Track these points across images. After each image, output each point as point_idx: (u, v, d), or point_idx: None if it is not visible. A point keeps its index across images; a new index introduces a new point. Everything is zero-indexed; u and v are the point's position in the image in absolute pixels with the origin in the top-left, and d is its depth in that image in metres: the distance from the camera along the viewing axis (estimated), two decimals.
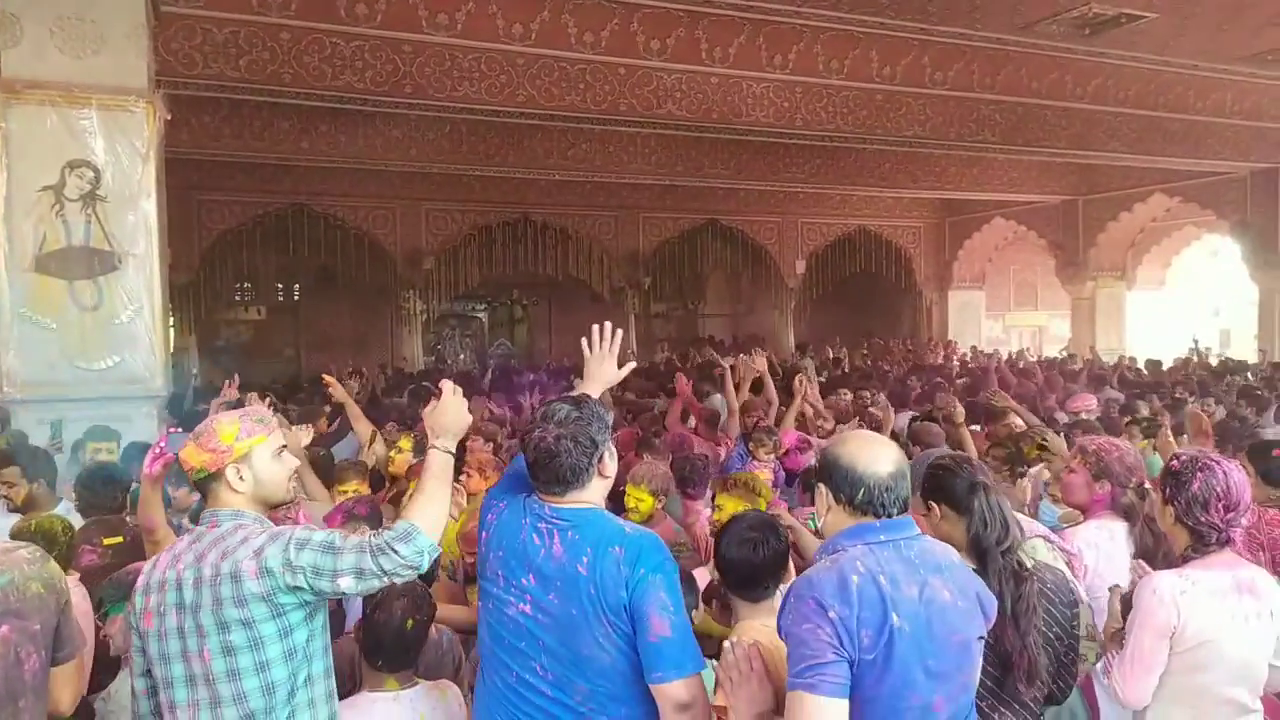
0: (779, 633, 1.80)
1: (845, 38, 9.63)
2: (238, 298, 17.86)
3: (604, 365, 2.45)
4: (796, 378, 6.32)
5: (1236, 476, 2.30)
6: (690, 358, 13.82)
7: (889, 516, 1.80)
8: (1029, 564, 2.19)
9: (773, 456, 4.94)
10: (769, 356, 8.85)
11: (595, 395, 2.23)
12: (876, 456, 1.82)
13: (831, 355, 14.84)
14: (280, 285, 18.39)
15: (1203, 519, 2.27)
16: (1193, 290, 21.11)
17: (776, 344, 18.10)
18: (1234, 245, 14.57)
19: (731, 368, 6.79)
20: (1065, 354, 16.22)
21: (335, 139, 11.07)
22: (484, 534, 2.23)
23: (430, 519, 2.07)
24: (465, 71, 8.37)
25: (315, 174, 13.30)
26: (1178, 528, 2.34)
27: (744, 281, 20.99)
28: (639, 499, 3.76)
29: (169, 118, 6.12)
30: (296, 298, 18.65)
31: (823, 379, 10.67)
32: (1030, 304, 20.78)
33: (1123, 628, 2.35)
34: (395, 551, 1.97)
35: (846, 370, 13.22)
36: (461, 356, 20.99)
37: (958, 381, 10.77)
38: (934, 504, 2.28)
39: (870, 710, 1.69)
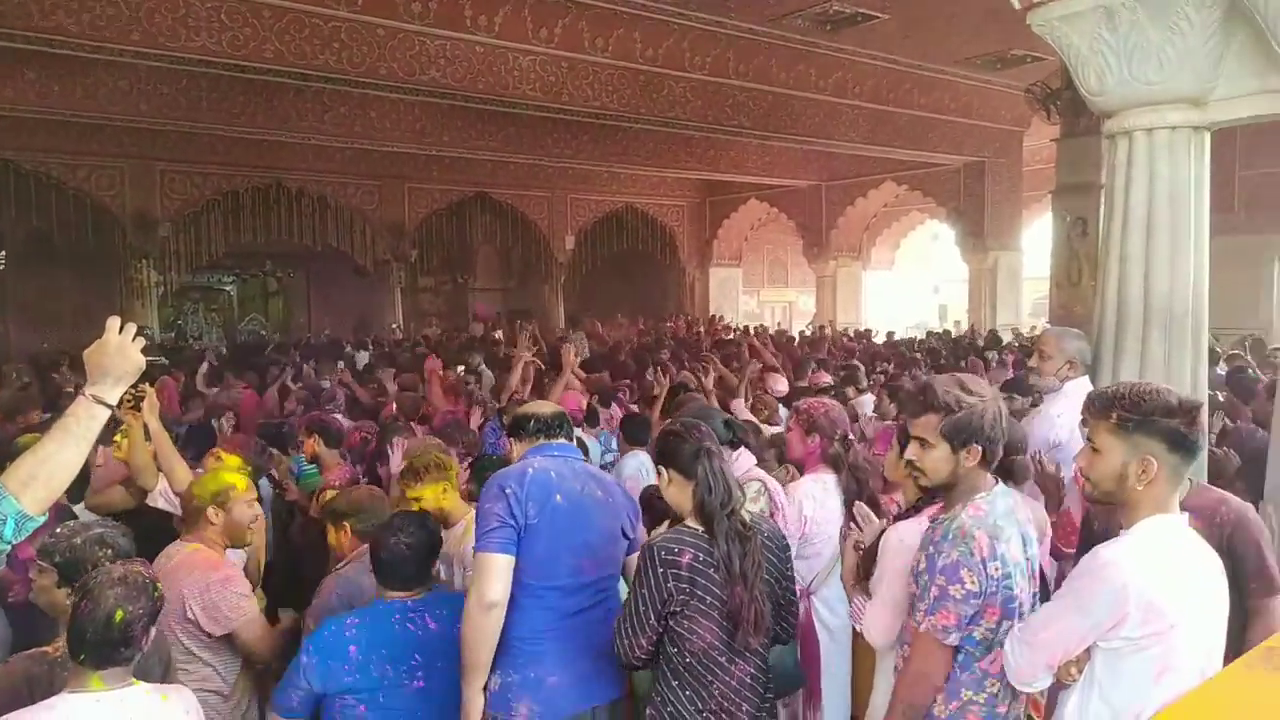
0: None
1: (610, 16, 9.80)
2: None
3: (125, 356, 1.85)
4: (563, 349, 6.43)
5: None
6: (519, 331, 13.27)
7: (558, 441, 2.57)
8: (746, 517, 2.34)
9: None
10: (533, 332, 8.93)
11: (113, 397, 1.83)
12: (543, 405, 2.70)
13: (600, 329, 15.17)
14: None
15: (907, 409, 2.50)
16: (918, 270, 23.53)
17: (547, 318, 18.23)
18: (950, 230, 16.40)
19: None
20: (811, 328, 17.60)
21: (46, 87, 9.76)
22: None
23: (34, 480, 1.72)
24: (202, 20, 7.69)
25: (22, 126, 11.64)
26: (912, 477, 2.54)
27: (514, 256, 20.92)
28: (417, 499, 3.66)
29: None
30: (2, 266, 16.35)
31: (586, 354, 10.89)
32: (782, 281, 22.29)
33: (858, 574, 2.57)
34: None
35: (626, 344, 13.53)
36: (208, 334, 19.39)
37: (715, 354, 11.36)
38: (663, 469, 2.39)
39: (532, 563, 2.36)
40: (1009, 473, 2.94)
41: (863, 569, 2.48)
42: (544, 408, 2.66)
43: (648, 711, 2.38)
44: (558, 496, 2.38)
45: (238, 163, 14.12)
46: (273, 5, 7.94)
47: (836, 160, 16.62)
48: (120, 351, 1.84)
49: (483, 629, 2.30)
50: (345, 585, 2.82)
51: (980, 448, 2.06)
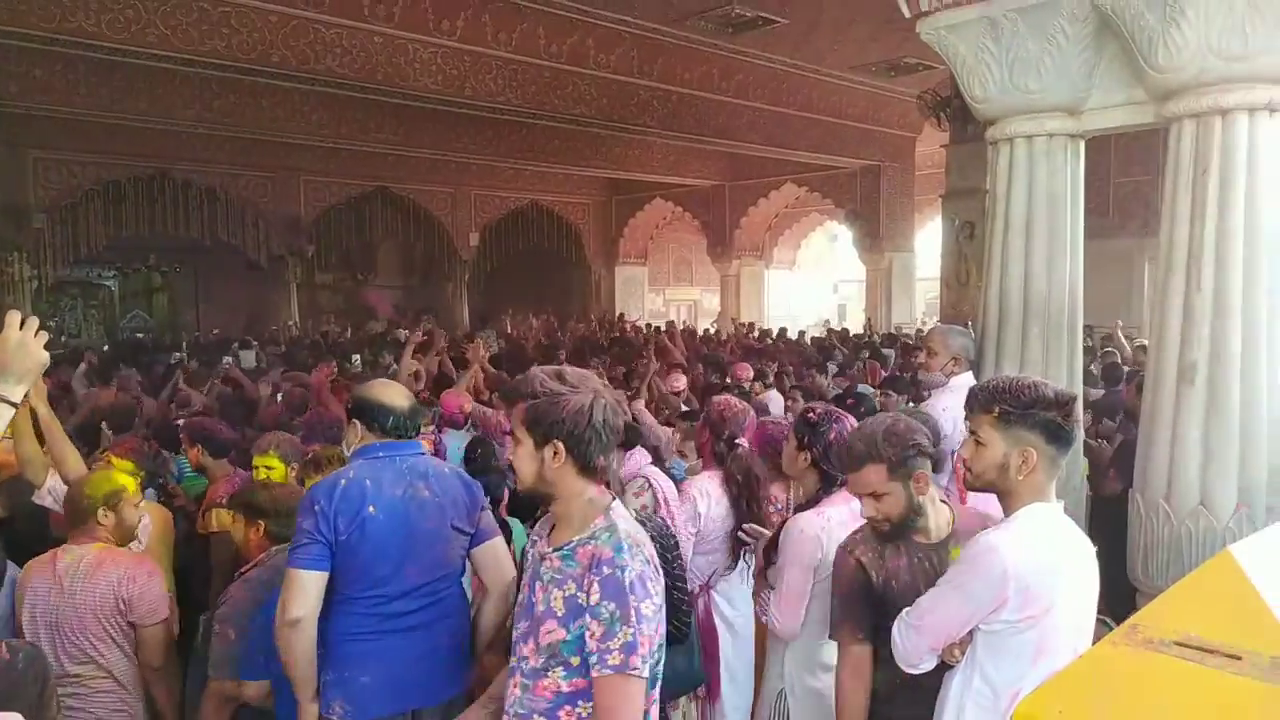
0: None
1: (512, 10, 9.71)
2: None
3: (25, 352, 1.76)
4: (472, 345, 6.34)
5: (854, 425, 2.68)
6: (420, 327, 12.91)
7: (399, 439, 2.46)
8: (630, 511, 2.35)
9: (432, 427, 4.90)
10: (432, 327, 8.80)
11: (17, 395, 1.76)
12: (398, 395, 2.52)
13: (510, 329, 15.03)
14: None
15: (836, 464, 2.59)
16: (818, 270, 24.11)
17: (451, 316, 17.94)
18: (848, 231, 16.88)
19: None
20: (716, 326, 17.84)
21: None
22: None
23: None
24: (78, 1, 7.26)
25: None
26: (811, 471, 2.63)
27: (417, 252, 20.49)
28: (269, 467, 3.58)
29: None
30: None
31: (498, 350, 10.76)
32: (687, 280, 22.51)
33: (764, 568, 2.62)
34: None
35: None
36: (86, 331, 18.34)
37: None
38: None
39: (350, 574, 2.31)
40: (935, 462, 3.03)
41: (763, 560, 2.52)
42: (400, 400, 2.50)
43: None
44: (370, 508, 2.31)
45: (119, 151, 13.35)
46: None
47: (740, 161, 16.87)
48: (21, 347, 1.75)
49: (291, 645, 2.27)
50: (255, 590, 2.70)
51: (561, 443, 1.80)
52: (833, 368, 9.00)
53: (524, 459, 1.85)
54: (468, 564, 2.58)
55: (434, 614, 2.42)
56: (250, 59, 8.26)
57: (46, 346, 1.81)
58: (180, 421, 4.79)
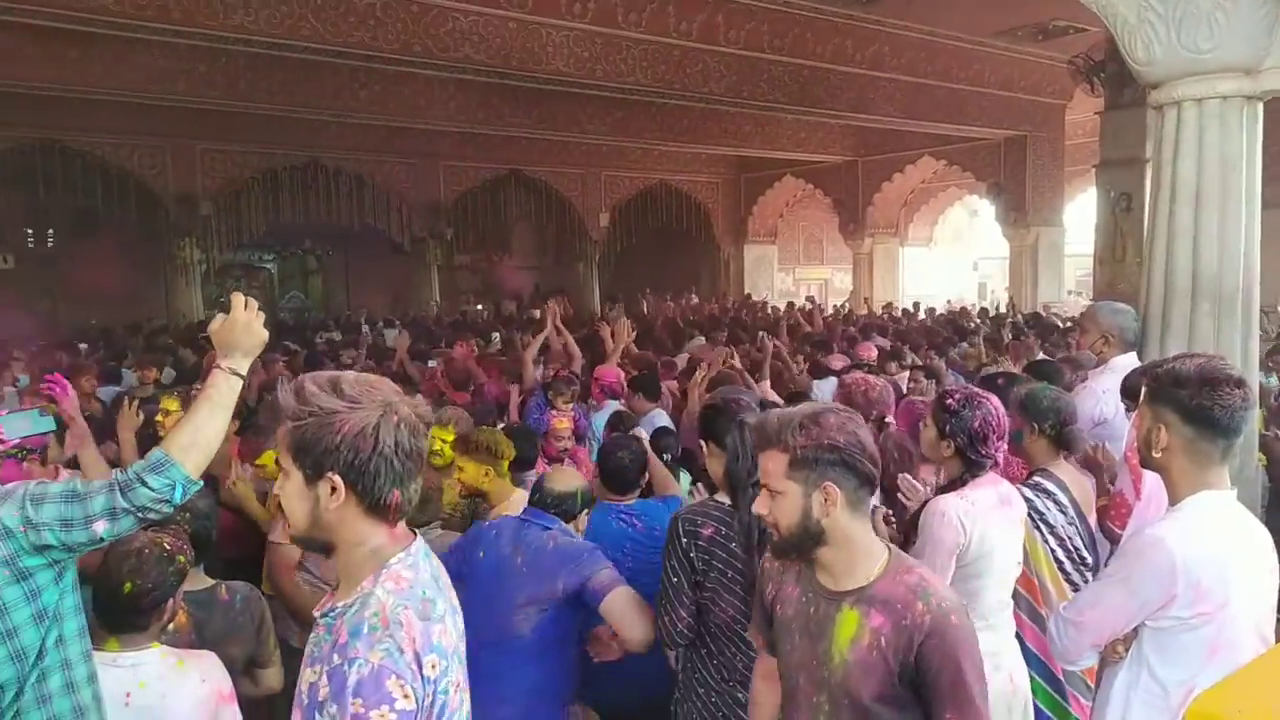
0: None
1: None
2: None
3: (250, 331, 1.96)
4: (614, 324, 6.46)
5: (1001, 408, 2.58)
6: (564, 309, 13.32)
7: (544, 511, 2.64)
8: None
9: (571, 405, 5.01)
10: (564, 306, 9.00)
11: (243, 368, 1.95)
12: (563, 480, 2.71)
13: (647, 309, 15.20)
14: (30, 231, 16.40)
15: (983, 451, 2.51)
16: (956, 246, 23.19)
17: (581, 296, 18.25)
18: (990, 205, 16.13)
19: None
20: (847, 305, 17.44)
21: (89, 68, 9.89)
22: None
23: (191, 447, 1.86)
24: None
25: (66, 107, 11.82)
26: (955, 459, 2.55)
27: (548, 233, 20.94)
28: (443, 440, 3.70)
29: None
30: (51, 245, 16.73)
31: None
32: (818, 258, 22.09)
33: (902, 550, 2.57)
34: (145, 484, 1.81)
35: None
36: None
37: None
38: (704, 442, 2.42)
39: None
40: (1065, 443, 2.89)
41: (902, 541, 2.46)
42: (561, 486, 2.70)
43: (679, 677, 2.40)
44: (481, 553, 2.61)
45: (276, 142, 14.26)
46: None
47: (873, 135, 16.38)
48: (247, 327, 1.96)
49: None
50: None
51: (338, 477, 1.39)
52: (966, 348, 8.64)
53: (292, 497, 1.44)
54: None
55: (495, 671, 2.46)
56: (394, 49, 8.60)
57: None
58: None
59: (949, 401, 2.57)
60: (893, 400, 3.17)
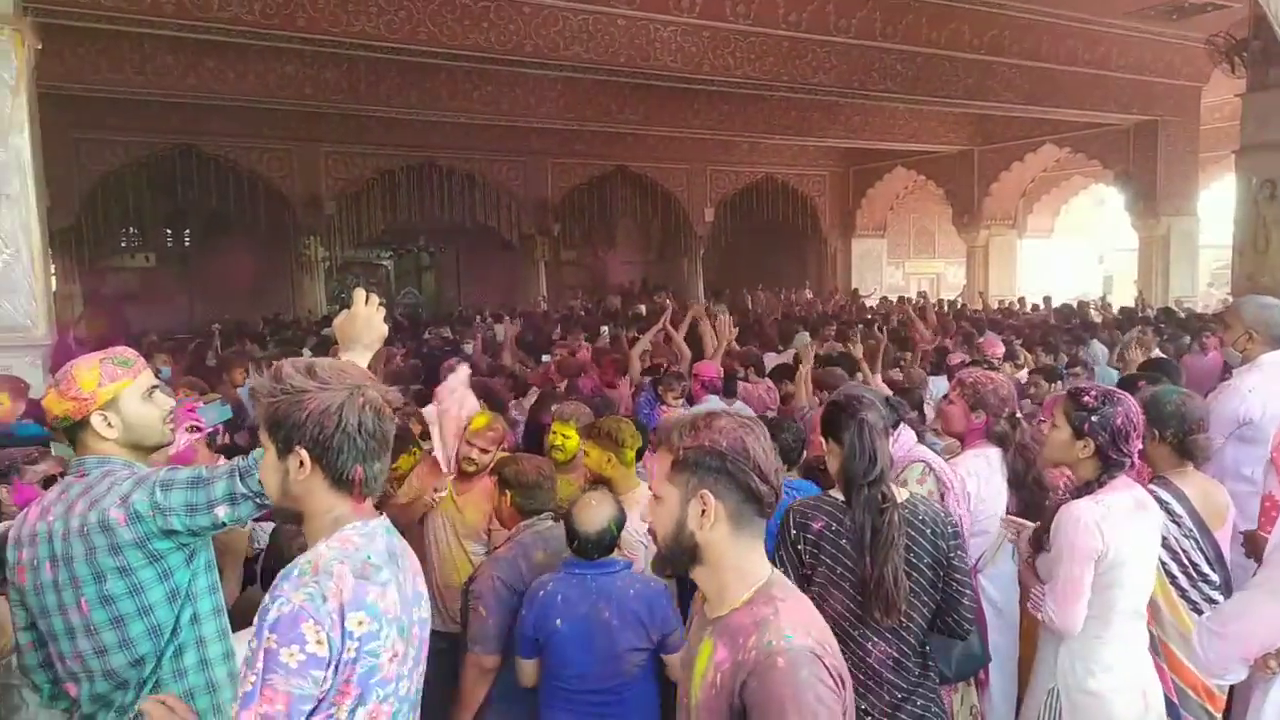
0: None
1: None
2: (124, 244, 16.96)
3: (370, 325, 2.05)
4: (720, 321, 6.49)
5: (1137, 405, 2.47)
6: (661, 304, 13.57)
7: (589, 559, 2.67)
8: (900, 496, 2.28)
9: (681, 401, 5.03)
10: (671, 301, 9.03)
11: (363, 362, 1.99)
12: (593, 520, 2.66)
13: (752, 305, 15.11)
14: (169, 231, 17.52)
15: (1124, 450, 2.40)
16: (1080, 238, 22.10)
17: (686, 291, 18.26)
18: (1118, 194, 15.30)
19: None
20: (960, 300, 16.88)
21: (223, 75, 10.51)
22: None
23: None
24: (362, 5, 8.05)
25: (203, 113, 12.62)
26: (1091, 460, 2.43)
27: (653, 228, 21.02)
28: (566, 435, 3.78)
29: (39, 47, 5.72)
30: (187, 244, 17.82)
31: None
32: (929, 251, 21.44)
33: (1031, 559, 2.47)
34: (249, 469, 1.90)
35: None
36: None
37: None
38: (824, 438, 2.38)
39: (547, 669, 2.67)
40: (1188, 452, 2.74)
41: (1034, 545, 2.37)
42: (591, 526, 2.68)
43: None
44: (558, 621, 2.63)
45: (394, 143, 14.81)
46: None
47: (990, 123, 15.79)
48: (367, 321, 2.04)
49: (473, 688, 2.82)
50: (505, 569, 2.87)
51: (305, 451, 1.50)
52: (1101, 349, 8.23)
53: (267, 470, 1.58)
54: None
55: (620, 708, 2.67)
56: (507, 50, 8.79)
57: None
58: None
59: (1085, 399, 2.45)
60: (1016, 398, 3.04)
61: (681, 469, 1.53)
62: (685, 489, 1.52)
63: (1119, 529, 2.33)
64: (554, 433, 3.82)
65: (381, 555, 1.54)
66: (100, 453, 2.03)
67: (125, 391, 2.04)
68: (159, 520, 1.91)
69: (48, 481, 2.69)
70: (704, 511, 1.50)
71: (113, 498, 1.93)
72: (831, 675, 1.43)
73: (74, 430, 2.03)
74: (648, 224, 20.63)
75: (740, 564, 1.54)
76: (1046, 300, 14.61)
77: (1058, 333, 9.25)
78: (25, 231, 5.34)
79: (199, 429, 2.43)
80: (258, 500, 1.93)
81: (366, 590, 1.46)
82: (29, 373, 5.29)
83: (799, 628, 1.45)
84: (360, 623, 1.43)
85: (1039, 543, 2.39)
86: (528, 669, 2.69)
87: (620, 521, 2.74)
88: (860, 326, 7.56)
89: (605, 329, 10.03)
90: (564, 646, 2.61)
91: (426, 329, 12.27)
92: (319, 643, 1.39)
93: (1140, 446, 2.46)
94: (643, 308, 15.10)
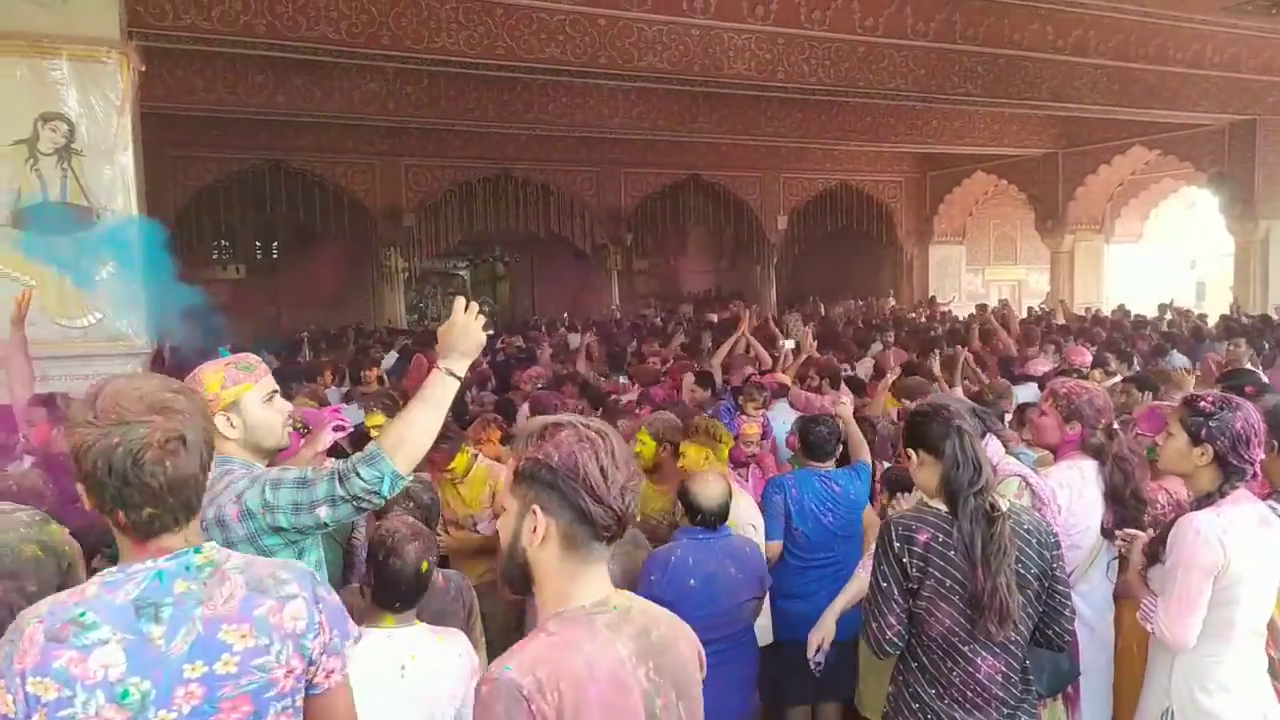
0: None
1: None
2: (215, 256, 17.67)
3: (468, 334, 2.12)
4: (797, 331, 6.47)
5: (1256, 411, 2.38)
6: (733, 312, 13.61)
7: (711, 528, 3.09)
8: (1004, 506, 2.22)
9: (761, 411, 5.00)
10: (745, 310, 9.01)
11: (461, 369, 2.09)
12: (712, 491, 3.09)
13: (823, 312, 14.95)
14: (259, 243, 18.19)
15: (1245, 456, 2.31)
16: (1170, 243, 21.25)
17: (758, 299, 18.15)
18: (1212, 197, 14.68)
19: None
20: (1044, 308, 16.37)
21: (310, 92, 10.87)
22: None
23: (402, 443, 1.97)
24: (442, 22, 8.24)
25: (291, 129, 13.10)
26: (1210, 468, 2.35)
27: (725, 237, 20.97)
28: (642, 442, 3.87)
29: (143, 69, 6.01)
30: (275, 256, 18.47)
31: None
32: (1010, 258, 20.88)
33: (1144, 570, 2.39)
34: (358, 475, 1.94)
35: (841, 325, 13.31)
36: (445, 315, 20.91)
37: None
38: (912, 451, 2.32)
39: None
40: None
41: (1147, 559, 2.28)
42: (710, 501, 3.08)
43: (889, 690, 2.33)
44: (691, 581, 2.96)
45: (471, 155, 15.12)
46: (504, 3, 8.38)
47: (1075, 125, 15.32)
48: (465, 330, 2.11)
49: None
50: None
51: (82, 487, 1.42)
52: (1182, 359, 7.89)
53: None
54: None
55: (733, 655, 3.04)
56: (582, 62, 8.88)
57: (419, 329, 2.16)
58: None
59: (1202, 404, 2.36)
60: (1112, 408, 2.94)
61: (520, 480, 1.45)
62: (523, 502, 1.44)
63: (1241, 543, 2.24)
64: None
65: (112, 611, 1.38)
66: (222, 453, 2.10)
67: (247, 395, 2.13)
68: (268, 517, 1.99)
69: None
70: (535, 529, 1.42)
71: (229, 495, 2.02)
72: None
73: None
74: (720, 232, 20.60)
75: (562, 588, 1.45)
76: (1122, 309, 14.03)
77: (1135, 342, 8.89)
78: (129, 245, 5.60)
79: (344, 428, 2.68)
80: (355, 504, 1.99)
81: (56, 655, 1.34)
82: None
83: (526, 663, 1.36)
84: (45, 689, 1.33)
85: (1154, 554, 2.30)
86: None
87: (729, 494, 3.17)
88: (939, 333, 7.41)
89: (680, 338, 10.04)
90: (694, 603, 2.84)
91: (500, 337, 12.48)
92: (6, 704, 1.33)
93: (1261, 455, 2.35)
94: (714, 316, 15.08)
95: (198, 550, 1.47)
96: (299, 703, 1.51)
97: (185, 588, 1.43)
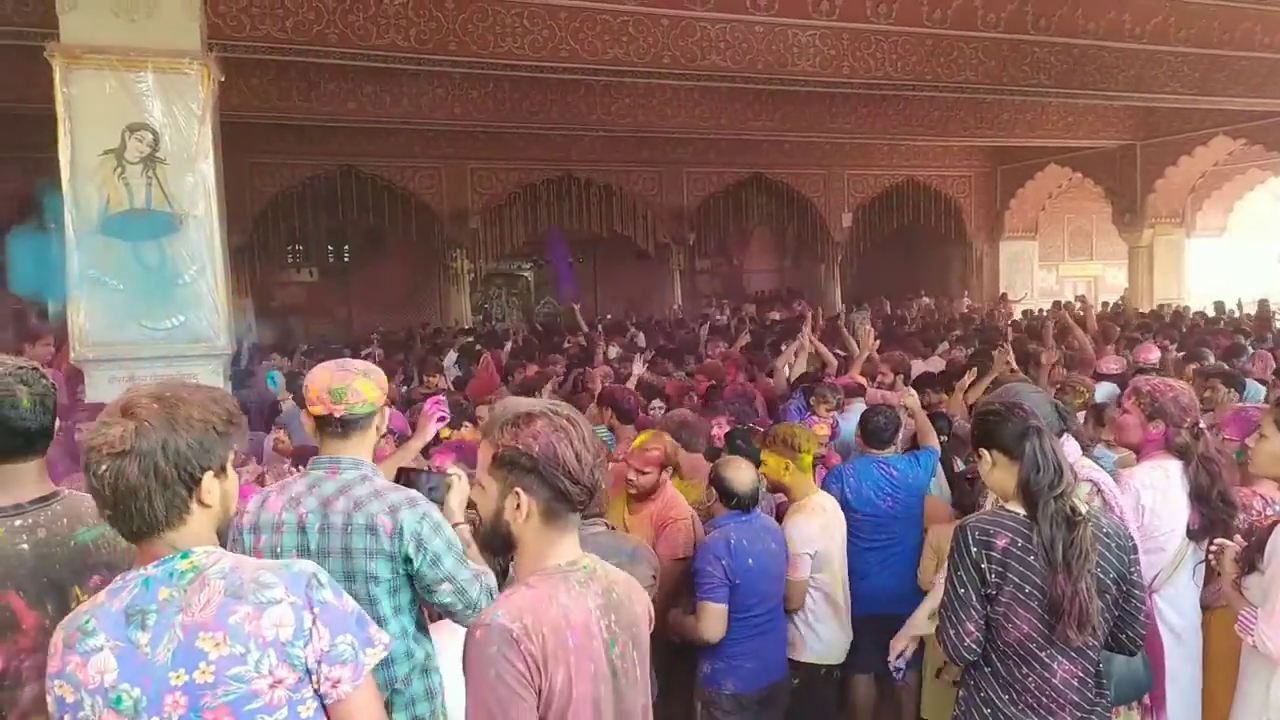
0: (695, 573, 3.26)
1: None
2: (290, 260, 18.18)
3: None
4: (861, 331, 6.41)
5: None
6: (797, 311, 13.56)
7: (747, 510, 3.33)
8: (1083, 509, 2.16)
9: (832, 413, 4.94)
10: (809, 311, 8.91)
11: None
12: (743, 476, 3.33)
13: (889, 310, 14.71)
14: (331, 247, 18.66)
15: None
16: (1256, 236, 20.35)
17: (822, 298, 17.95)
18: None
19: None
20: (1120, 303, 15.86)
21: (380, 99, 11.12)
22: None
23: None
24: (508, 27, 8.35)
25: (362, 135, 13.40)
26: None
27: (789, 235, 20.76)
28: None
29: (222, 79, 6.21)
30: (347, 259, 18.93)
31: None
32: (1085, 253, 20.26)
33: (1238, 579, 2.30)
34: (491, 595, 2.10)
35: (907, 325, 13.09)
36: (509, 315, 21.17)
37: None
38: (985, 451, 2.27)
39: (733, 602, 3.19)
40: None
41: (1244, 562, 2.19)
42: (741, 485, 3.28)
43: (959, 693, 2.29)
44: (750, 561, 3.20)
45: (535, 157, 15.27)
46: (568, 6, 8.45)
47: (1154, 116, 14.79)
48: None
49: (702, 637, 3.23)
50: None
51: None
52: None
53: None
54: None
55: (778, 621, 3.42)
56: (645, 63, 8.90)
57: (483, 330, 2.25)
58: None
59: None
60: (1198, 407, 2.83)
61: (499, 465, 1.63)
62: (503, 484, 1.63)
63: None
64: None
65: (108, 618, 1.43)
66: (354, 454, 2.13)
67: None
68: (410, 547, 2.05)
69: None
70: (518, 507, 1.61)
71: (381, 505, 2.06)
72: (526, 659, 1.50)
73: (359, 420, 2.14)
74: (783, 231, 20.40)
75: (542, 550, 1.66)
76: (1220, 306, 13.49)
77: (1211, 340, 8.52)
78: (209, 250, 5.80)
79: (444, 419, 3.01)
80: (464, 612, 2.12)
81: (68, 660, 1.42)
82: (212, 380, 5.75)
83: (513, 611, 1.55)
84: (65, 691, 1.42)
85: (1250, 562, 2.21)
86: (721, 614, 3.13)
87: (758, 477, 3.40)
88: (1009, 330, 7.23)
89: (746, 337, 9.99)
90: (754, 580, 3.18)
91: (565, 338, 12.58)
92: (50, 704, 1.45)
93: None
94: (777, 314, 14.96)
95: (185, 555, 1.47)
96: (304, 714, 1.46)
97: (167, 594, 1.44)
